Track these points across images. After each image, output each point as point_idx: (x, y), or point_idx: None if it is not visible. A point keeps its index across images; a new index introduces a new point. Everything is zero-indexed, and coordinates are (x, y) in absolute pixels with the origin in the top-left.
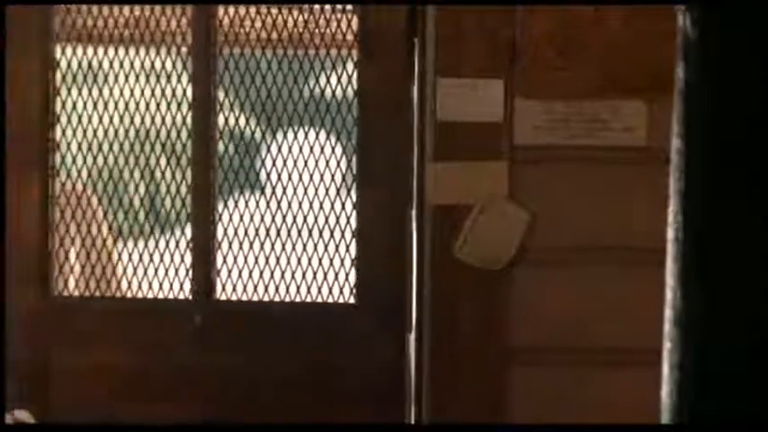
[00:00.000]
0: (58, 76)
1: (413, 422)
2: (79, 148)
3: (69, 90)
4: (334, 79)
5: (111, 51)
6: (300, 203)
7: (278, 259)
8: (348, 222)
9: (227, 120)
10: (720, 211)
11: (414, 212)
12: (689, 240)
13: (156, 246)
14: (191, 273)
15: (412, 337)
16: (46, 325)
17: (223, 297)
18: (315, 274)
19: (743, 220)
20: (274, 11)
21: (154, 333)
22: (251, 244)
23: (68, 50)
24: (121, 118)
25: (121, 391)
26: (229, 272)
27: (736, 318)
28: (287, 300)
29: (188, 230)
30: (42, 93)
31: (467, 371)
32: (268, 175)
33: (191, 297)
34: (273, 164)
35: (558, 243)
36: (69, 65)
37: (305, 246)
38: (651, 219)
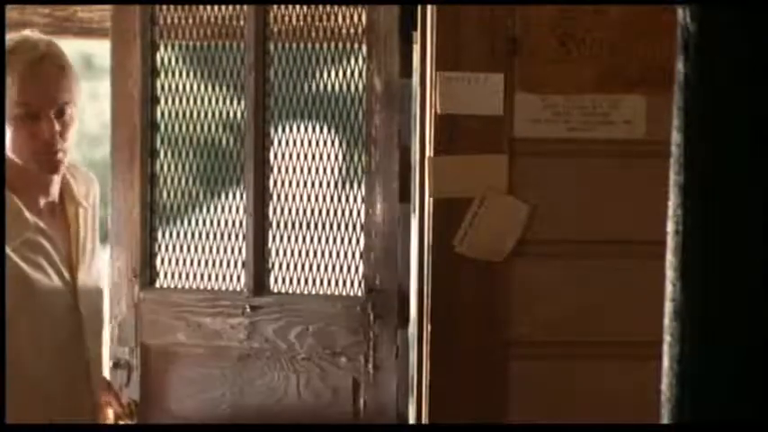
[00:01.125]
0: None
1: (413, 413)
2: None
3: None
4: (340, 73)
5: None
6: (302, 197)
7: (285, 252)
8: (351, 215)
9: (229, 112)
10: (720, 203)
11: (412, 206)
12: (689, 233)
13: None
14: (193, 265)
15: (410, 331)
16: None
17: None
18: (325, 266)
19: (742, 213)
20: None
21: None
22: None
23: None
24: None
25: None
26: (235, 263)
27: (736, 310)
28: (290, 292)
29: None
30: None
31: (467, 363)
32: (279, 167)
33: (244, 289)
34: (282, 156)
35: (557, 236)
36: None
37: (307, 238)
38: (651, 212)
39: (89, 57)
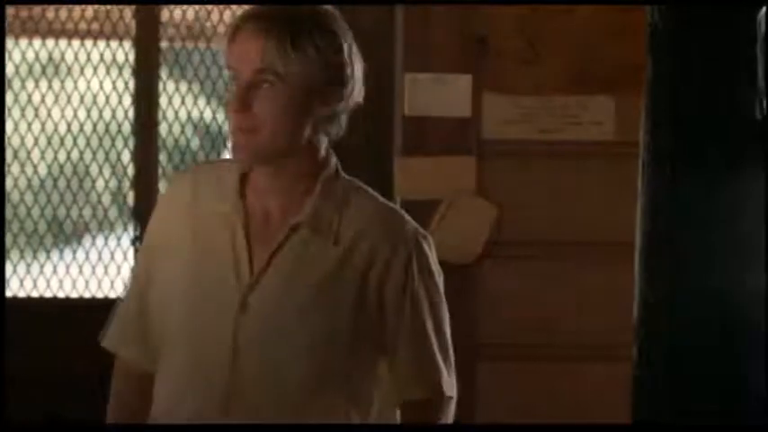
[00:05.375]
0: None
1: None
2: (36, 142)
3: (23, 83)
4: None
5: (74, 44)
6: None
7: None
8: None
9: (189, 113)
10: (688, 203)
11: None
12: (657, 234)
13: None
14: None
15: None
16: None
17: None
18: None
19: (709, 213)
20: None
21: None
22: None
23: (23, 43)
24: (88, 111)
25: None
26: None
27: (704, 313)
28: None
29: None
30: None
31: None
32: None
33: None
34: None
35: (526, 238)
36: (24, 57)
37: None
38: (620, 213)
39: (49, 54)
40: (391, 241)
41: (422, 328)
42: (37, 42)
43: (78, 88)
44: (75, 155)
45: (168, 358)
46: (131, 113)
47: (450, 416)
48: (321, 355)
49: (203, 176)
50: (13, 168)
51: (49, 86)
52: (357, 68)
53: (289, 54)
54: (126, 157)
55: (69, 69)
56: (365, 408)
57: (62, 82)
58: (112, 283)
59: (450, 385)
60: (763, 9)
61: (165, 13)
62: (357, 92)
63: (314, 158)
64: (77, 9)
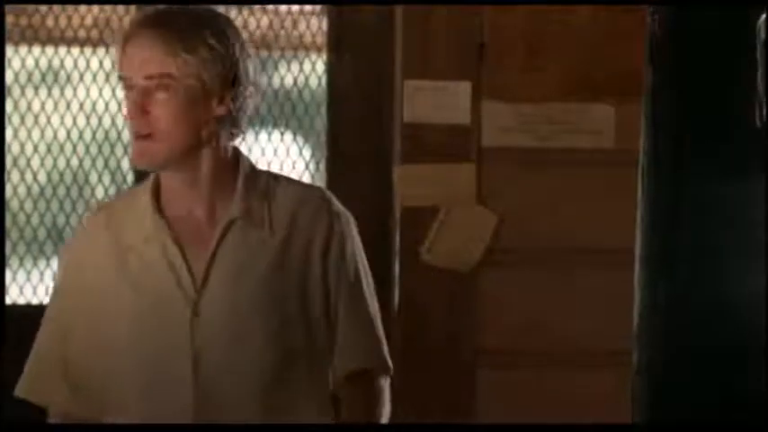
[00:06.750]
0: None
1: None
2: (35, 149)
3: (23, 90)
4: (301, 79)
5: (74, 52)
6: None
7: None
8: None
9: None
10: (688, 210)
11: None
12: (657, 241)
13: None
14: None
15: None
16: None
17: None
18: None
19: (710, 219)
20: (245, 11)
21: None
22: None
23: (23, 51)
24: (88, 119)
25: None
26: None
27: (704, 314)
28: None
29: None
30: None
31: (435, 372)
32: None
33: None
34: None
35: (526, 245)
36: (24, 65)
37: None
38: (620, 220)
39: (48, 62)
40: (323, 218)
41: (361, 299)
42: (36, 50)
43: (78, 96)
44: (74, 162)
45: (123, 388)
46: None
47: (387, 397)
48: (280, 344)
49: (115, 210)
50: (13, 176)
51: (49, 94)
52: (250, 70)
53: (181, 56)
54: (125, 164)
55: (69, 77)
56: (328, 390)
57: (62, 89)
58: None
59: (389, 358)
60: (763, 15)
61: None
62: (253, 92)
63: (223, 159)
64: (77, 16)
